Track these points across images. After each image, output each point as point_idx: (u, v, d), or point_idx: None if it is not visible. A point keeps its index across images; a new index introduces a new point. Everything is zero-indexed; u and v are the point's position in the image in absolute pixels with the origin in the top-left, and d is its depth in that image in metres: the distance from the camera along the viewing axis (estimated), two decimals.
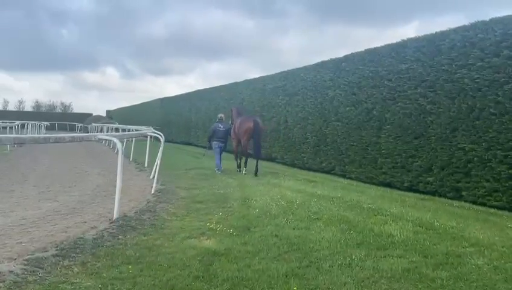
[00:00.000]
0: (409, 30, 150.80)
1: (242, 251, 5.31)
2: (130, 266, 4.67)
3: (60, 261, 4.72)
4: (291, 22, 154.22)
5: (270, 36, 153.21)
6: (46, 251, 5.02)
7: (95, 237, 5.73)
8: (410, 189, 10.75)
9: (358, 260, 4.88)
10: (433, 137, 10.17)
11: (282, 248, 5.43)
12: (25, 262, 4.59)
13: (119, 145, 6.94)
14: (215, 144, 13.78)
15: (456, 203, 8.78)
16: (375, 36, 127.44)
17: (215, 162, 13.65)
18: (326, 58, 15.39)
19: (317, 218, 6.87)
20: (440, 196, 9.79)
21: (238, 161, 13.90)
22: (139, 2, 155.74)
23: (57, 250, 5.05)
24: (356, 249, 5.30)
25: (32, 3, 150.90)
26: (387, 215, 6.93)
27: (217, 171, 13.38)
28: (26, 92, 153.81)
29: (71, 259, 4.80)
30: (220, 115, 14.79)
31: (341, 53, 14.63)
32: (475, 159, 8.95)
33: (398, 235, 5.75)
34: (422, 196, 9.73)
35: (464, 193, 9.29)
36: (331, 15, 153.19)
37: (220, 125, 13.99)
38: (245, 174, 13.08)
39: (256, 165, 12.80)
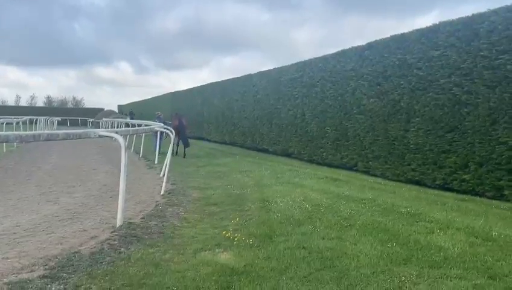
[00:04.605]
0: (428, 19, 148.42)
1: (265, 268, 4.47)
2: None
3: (47, 284, 3.91)
4: (307, 14, 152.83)
5: (286, 29, 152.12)
6: (33, 271, 4.21)
7: (93, 250, 4.91)
8: (442, 187, 9.84)
9: (410, 282, 3.97)
10: (469, 130, 9.29)
11: (312, 264, 4.56)
12: (5, 287, 3.79)
13: (122, 143, 6.09)
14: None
15: (504, 205, 7.78)
16: (394, 27, 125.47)
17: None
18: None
19: (349, 225, 5.95)
20: (478, 195, 8.88)
21: (175, 148, 16.98)
22: None
23: (45, 269, 4.24)
24: (403, 266, 4.39)
25: None
26: (432, 221, 5.97)
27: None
28: (40, 87, 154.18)
29: (61, 281, 3.99)
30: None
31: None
32: None
33: (451, 248, 4.81)
34: (460, 196, 8.75)
35: (506, 192, 8.49)
36: (348, 7, 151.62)
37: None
38: (176, 155, 16.44)
39: (184, 151, 17.05)
